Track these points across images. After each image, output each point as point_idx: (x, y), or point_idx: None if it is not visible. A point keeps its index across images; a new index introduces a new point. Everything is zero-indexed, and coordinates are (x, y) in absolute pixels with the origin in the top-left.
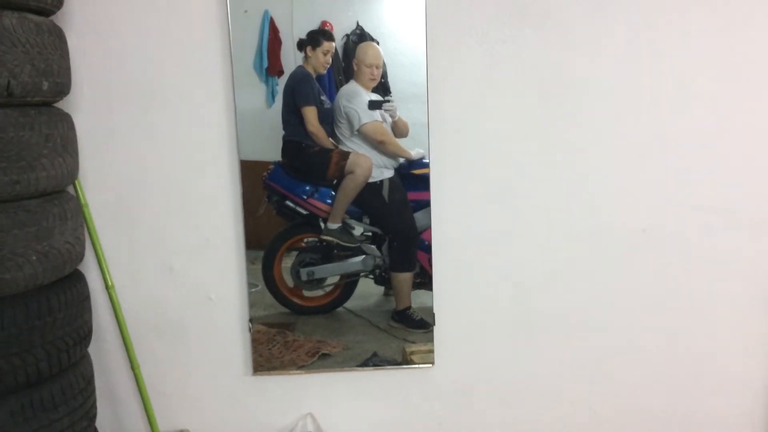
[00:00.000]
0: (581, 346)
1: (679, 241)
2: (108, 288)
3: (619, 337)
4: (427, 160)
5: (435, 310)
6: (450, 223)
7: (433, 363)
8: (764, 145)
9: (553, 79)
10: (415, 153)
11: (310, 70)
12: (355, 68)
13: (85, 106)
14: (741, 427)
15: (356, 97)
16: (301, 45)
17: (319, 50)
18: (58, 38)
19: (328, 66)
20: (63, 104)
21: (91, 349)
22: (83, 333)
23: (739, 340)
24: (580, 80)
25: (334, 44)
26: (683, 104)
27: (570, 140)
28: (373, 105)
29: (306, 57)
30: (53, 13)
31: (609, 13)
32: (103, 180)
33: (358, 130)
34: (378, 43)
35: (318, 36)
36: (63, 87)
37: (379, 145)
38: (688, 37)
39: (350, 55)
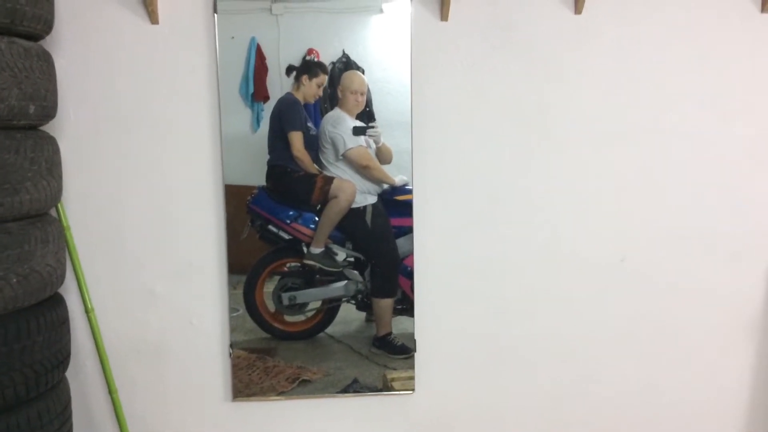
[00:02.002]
0: (562, 374)
1: (658, 270)
2: (87, 311)
3: (600, 365)
4: (410, 187)
5: (416, 336)
6: (432, 250)
7: (413, 390)
8: (741, 173)
9: (535, 109)
10: (398, 179)
11: (300, 97)
12: (340, 95)
13: (71, 129)
14: None
15: (341, 122)
16: (297, 72)
17: (314, 81)
18: (46, 63)
19: (318, 98)
20: (49, 127)
21: (69, 373)
22: (61, 357)
23: (718, 369)
24: (561, 110)
25: (326, 77)
26: (661, 134)
27: (551, 169)
28: (358, 131)
29: (299, 84)
30: (42, 38)
31: (590, 46)
32: (86, 203)
33: (343, 155)
34: (363, 72)
35: (315, 68)
36: (49, 111)
37: (363, 171)
38: (665, 70)
39: (336, 83)
